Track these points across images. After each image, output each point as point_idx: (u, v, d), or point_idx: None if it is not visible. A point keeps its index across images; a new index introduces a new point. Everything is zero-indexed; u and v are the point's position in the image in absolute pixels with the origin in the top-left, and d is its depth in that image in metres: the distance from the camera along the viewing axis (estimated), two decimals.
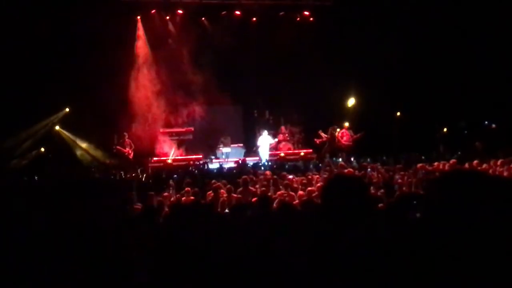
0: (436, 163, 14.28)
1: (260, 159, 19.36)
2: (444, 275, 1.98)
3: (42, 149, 19.94)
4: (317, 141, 20.41)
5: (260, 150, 19.85)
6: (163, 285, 3.61)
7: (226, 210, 9.19)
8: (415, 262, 2.28)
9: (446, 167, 13.33)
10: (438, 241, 2.03)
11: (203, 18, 21.87)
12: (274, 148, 20.66)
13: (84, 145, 20.57)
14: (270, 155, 19.94)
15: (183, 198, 10.94)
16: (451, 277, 1.95)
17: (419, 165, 13.74)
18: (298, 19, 22.85)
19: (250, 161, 18.95)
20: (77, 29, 17.79)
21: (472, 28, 18.96)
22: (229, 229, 4.81)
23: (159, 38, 20.99)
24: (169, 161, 19.49)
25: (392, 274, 2.57)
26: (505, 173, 11.91)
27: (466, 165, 13.57)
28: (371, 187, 11.04)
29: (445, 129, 20.54)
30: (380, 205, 7.58)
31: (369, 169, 14.21)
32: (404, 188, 11.49)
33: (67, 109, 20.29)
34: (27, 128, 19.70)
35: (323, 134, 20.12)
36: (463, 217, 2.01)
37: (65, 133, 20.46)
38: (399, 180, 12.41)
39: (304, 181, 12.56)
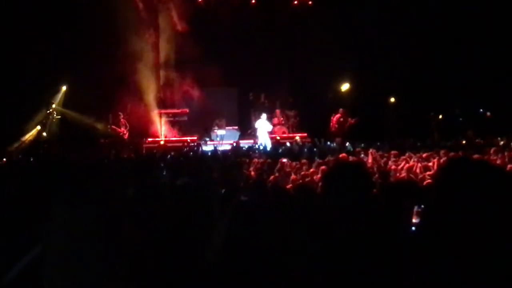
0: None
1: (257, 142, 19.26)
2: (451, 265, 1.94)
3: (38, 127, 19.80)
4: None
5: (258, 133, 19.73)
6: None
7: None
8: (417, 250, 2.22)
9: (441, 154, 13.30)
10: (445, 230, 1.98)
11: (201, 1, 21.69)
12: (269, 132, 20.57)
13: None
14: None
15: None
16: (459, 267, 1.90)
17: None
18: (296, 2, 22.67)
19: (245, 144, 18.89)
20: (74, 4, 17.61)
21: (469, 14, 18.85)
22: (222, 211, 4.75)
23: (156, 17, 20.77)
24: (162, 142, 19.44)
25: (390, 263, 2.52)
26: (498, 161, 11.89)
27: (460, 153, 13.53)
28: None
29: (440, 116, 20.50)
30: (374, 190, 7.53)
31: (362, 155, 14.18)
32: (398, 174, 11.46)
33: (64, 88, 20.15)
34: (33, 113, 19.61)
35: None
36: (470, 207, 1.97)
37: (65, 110, 20.32)
38: (393, 166, 12.36)
39: (298, 166, 12.51)
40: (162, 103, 20.97)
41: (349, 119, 19.91)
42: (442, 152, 13.61)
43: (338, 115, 20.14)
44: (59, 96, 20.27)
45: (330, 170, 3.27)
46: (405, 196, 4.70)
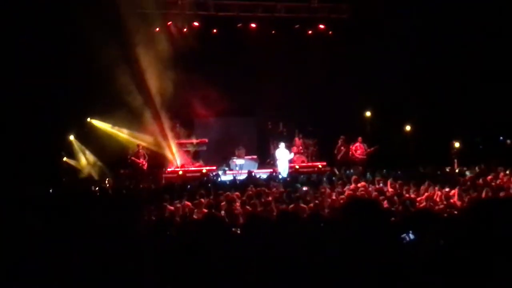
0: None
1: (277, 172, 19.19)
2: None
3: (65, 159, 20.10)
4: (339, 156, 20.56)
5: (278, 163, 19.65)
6: None
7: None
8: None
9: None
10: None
11: (214, 30, 21.95)
12: (290, 160, 20.52)
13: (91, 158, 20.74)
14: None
15: (195, 210, 10.90)
16: None
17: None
18: (310, 32, 22.82)
19: (263, 173, 18.87)
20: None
21: (486, 43, 18.84)
22: (243, 247, 4.79)
23: (175, 50, 21.03)
24: (181, 172, 19.54)
25: None
26: None
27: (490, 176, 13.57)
28: (385, 201, 11.02)
29: (457, 144, 20.31)
30: (392, 219, 7.49)
31: (381, 184, 14.18)
32: (418, 204, 11.41)
33: (89, 119, 20.54)
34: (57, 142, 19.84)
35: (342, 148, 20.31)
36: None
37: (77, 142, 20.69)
38: (412, 195, 12.33)
39: (317, 195, 12.55)
40: (181, 134, 21.14)
41: (367, 147, 20.00)
42: (462, 180, 13.58)
43: (358, 144, 20.27)
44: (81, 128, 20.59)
45: (345, 207, 3.34)
46: (425, 228, 4.69)
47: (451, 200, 11.67)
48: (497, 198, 9.43)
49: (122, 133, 20.71)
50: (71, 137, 20.34)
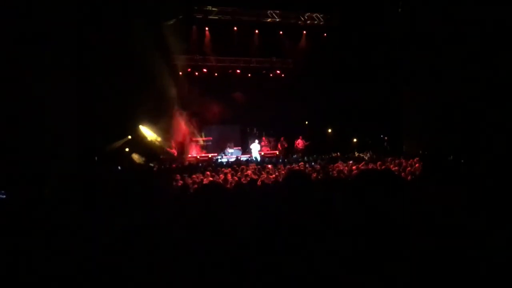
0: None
1: (251, 156, 19.29)
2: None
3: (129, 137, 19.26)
4: (279, 146, 20.64)
5: (252, 151, 19.83)
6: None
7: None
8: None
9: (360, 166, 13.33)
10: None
11: (215, 74, 21.73)
12: (259, 150, 20.60)
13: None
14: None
15: (205, 179, 10.85)
16: None
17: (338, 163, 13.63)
18: (271, 75, 22.80)
19: (244, 157, 18.89)
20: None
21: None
22: (233, 198, 4.78)
23: (193, 84, 20.75)
24: (198, 157, 19.38)
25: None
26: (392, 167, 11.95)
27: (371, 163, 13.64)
28: (314, 174, 11.06)
29: (355, 140, 20.49)
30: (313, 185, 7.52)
31: (313, 163, 14.25)
32: (332, 173, 11.46)
33: (140, 126, 20.03)
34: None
35: (284, 143, 20.37)
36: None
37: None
38: (330, 169, 12.39)
39: (275, 169, 12.56)
40: (195, 133, 20.99)
41: (305, 142, 20.07)
42: (361, 164, 13.66)
43: (299, 140, 20.30)
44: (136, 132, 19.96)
45: (286, 175, 3.34)
46: (335, 189, 4.71)
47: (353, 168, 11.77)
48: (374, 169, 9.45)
49: (160, 136, 20.19)
50: (129, 137, 19.75)
